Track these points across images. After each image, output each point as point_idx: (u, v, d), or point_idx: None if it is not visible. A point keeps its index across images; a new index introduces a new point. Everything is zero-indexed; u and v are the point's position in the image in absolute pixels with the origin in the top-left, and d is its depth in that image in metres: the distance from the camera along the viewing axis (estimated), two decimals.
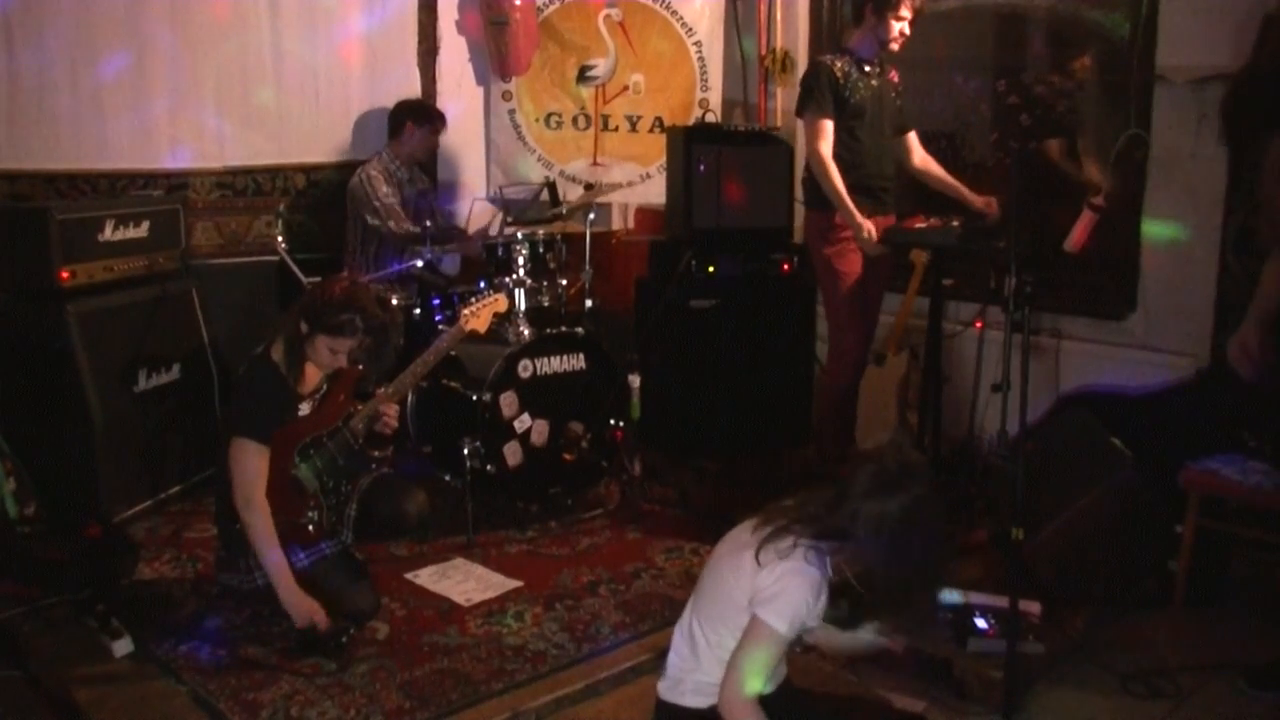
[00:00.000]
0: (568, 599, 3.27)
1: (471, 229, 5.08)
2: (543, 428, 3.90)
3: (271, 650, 2.89)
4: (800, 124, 4.09)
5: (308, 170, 4.79)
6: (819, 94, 3.93)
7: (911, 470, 2.02)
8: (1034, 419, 3.66)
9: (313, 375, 3.06)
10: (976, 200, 4.04)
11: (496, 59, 5.12)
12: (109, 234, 3.71)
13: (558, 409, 3.93)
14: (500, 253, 4.03)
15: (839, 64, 3.95)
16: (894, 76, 4.13)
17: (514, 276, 3.97)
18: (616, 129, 5.41)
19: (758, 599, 2.00)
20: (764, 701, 2.13)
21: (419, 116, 4.67)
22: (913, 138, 4.21)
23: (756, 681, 2.02)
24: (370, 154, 4.70)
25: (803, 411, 4.69)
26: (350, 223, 4.60)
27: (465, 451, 3.64)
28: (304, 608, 2.84)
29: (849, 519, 2.00)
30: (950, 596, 3.12)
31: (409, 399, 3.98)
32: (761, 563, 2.02)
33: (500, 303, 3.62)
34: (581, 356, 4.00)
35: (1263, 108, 2.44)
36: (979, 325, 4.33)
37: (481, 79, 5.27)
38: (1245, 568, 3.45)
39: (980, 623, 2.97)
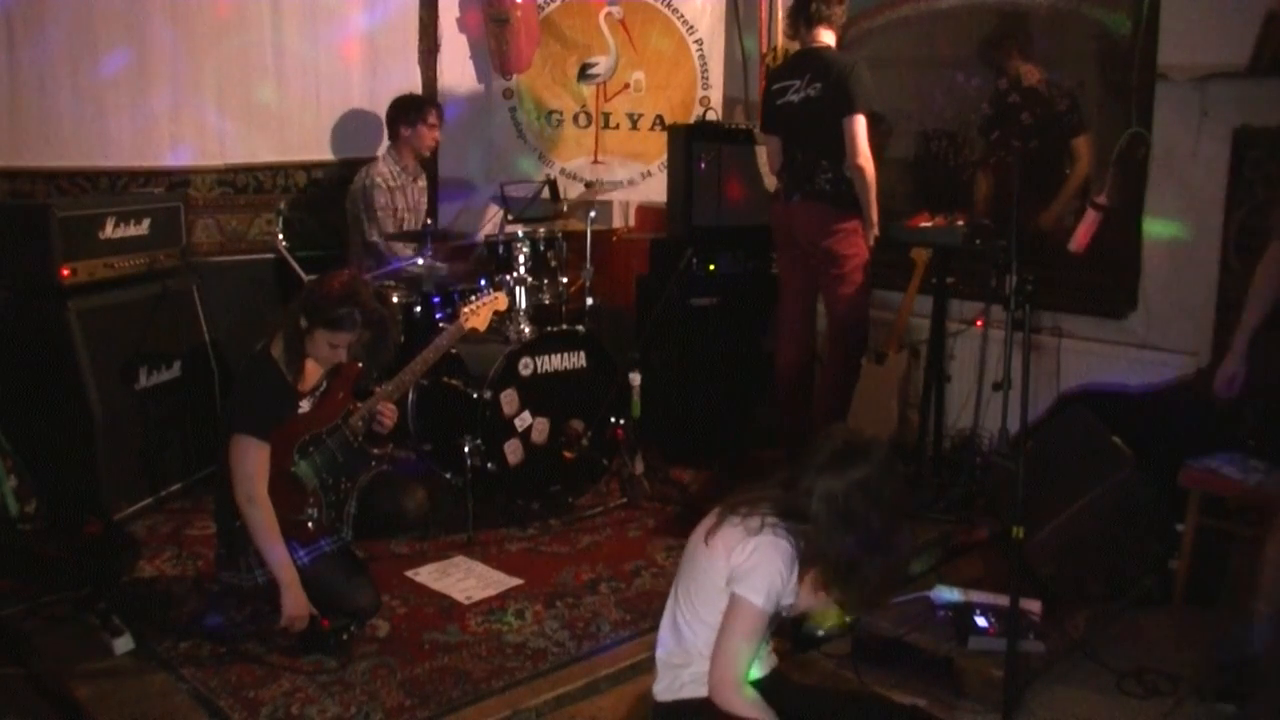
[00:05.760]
0: (568, 597, 3.27)
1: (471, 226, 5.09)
2: (543, 425, 3.90)
3: (272, 648, 2.89)
4: (851, 123, 3.84)
5: (309, 168, 4.79)
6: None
7: (862, 448, 2.09)
8: (1035, 418, 3.67)
9: (313, 372, 3.05)
10: None
11: (497, 57, 5.12)
12: (110, 231, 3.70)
13: (558, 407, 3.93)
14: (501, 251, 4.03)
15: None
16: None
17: (515, 274, 3.96)
18: (617, 127, 5.41)
19: (735, 576, 2.07)
20: (756, 688, 2.14)
21: (409, 116, 4.58)
22: None
23: (744, 662, 2.06)
24: (370, 152, 4.69)
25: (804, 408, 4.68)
26: (351, 222, 4.59)
27: (466, 449, 3.64)
28: (300, 610, 2.82)
29: (805, 497, 2.09)
30: (950, 595, 3.13)
31: (410, 397, 3.98)
32: (733, 542, 2.10)
33: (500, 301, 3.62)
34: (582, 354, 3.99)
35: None
36: (980, 324, 4.33)
37: (482, 77, 5.26)
38: (1245, 567, 3.44)
39: (980, 621, 2.97)
